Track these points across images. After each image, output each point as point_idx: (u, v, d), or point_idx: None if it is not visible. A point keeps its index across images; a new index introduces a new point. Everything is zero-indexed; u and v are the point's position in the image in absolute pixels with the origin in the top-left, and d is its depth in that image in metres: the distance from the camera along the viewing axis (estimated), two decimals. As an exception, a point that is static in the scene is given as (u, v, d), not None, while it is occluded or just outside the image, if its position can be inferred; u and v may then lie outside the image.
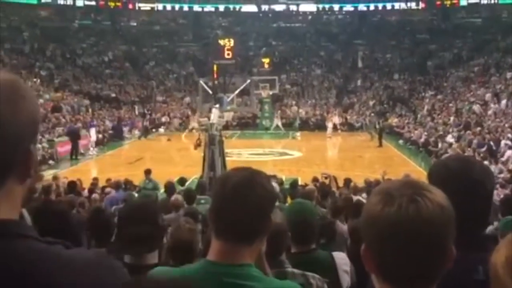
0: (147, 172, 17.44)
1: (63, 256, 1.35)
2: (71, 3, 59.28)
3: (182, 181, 16.59)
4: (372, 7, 62.53)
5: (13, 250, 1.31)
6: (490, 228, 6.28)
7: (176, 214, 8.99)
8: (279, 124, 44.35)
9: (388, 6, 61.98)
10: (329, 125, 41.52)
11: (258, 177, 2.22)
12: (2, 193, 1.34)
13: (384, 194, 1.56)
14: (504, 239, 1.42)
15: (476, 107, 38.56)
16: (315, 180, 16.01)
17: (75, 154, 30.60)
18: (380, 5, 62.11)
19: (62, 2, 58.62)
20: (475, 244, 1.61)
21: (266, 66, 50.95)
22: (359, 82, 54.11)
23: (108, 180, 17.10)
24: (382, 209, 1.53)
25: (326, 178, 15.65)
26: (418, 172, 22.76)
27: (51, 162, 28.35)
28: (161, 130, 43.67)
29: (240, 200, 2.13)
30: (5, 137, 1.31)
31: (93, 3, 60.53)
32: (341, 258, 4.03)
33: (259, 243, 2.21)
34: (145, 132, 41.20)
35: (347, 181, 16.07)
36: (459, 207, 1.61)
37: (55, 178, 16.12)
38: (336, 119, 43.40)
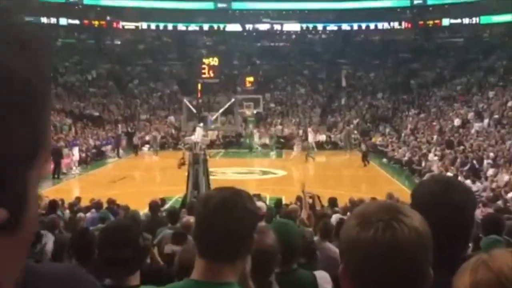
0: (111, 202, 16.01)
1: (33, 268, 1.32)
2: (55, 21, 59.18)
3: (162, 202, 16.53)
4: (355, 26, 63.06)
5: None
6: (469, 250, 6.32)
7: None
8: (268, 142, 44.47)
9: (372, 26, 62.54)
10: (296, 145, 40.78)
11: (239, 196, 2.24)
12: None
13: (361, 218, 1.59)
14: (468, 263, 1.45)
15: (456, 121, 39.05)
16: (299, 199, 16.02)
17: (57, 173, 30.40)
18: (363, 25, 62.66)
19: (45, 21, 58.48)
20: (456, 267, 1.64)
21: (250, 85, 51.10)
22: (343, 101, 54.34)
23: (92, 200, 17.02)
24: (359, 233, 1.56)
25: (310, 197, 15.66)
26: (402, 190, 22.85)
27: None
28: (145, 149, 43.55)
29: (222, 220, 2.15)
30: None
31: (77, 21, 60.50)
32: (322, 277, 4.05)
33: (242, 262, 2.23)
34: (136, 150, 41.32)
35: (332, 201, 16.12)
36: (440, 230, 1.64)
37: (38, 197, 15.95)
38: (311, 137, 43.17)
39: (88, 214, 13.84)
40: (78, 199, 17.68)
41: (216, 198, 2.21)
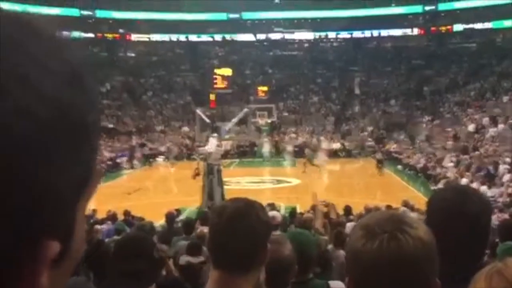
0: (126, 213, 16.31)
1: None
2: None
3: (177, 213, 16.53)
4: (367, 34, 63.05)
5: None
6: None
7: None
8: (290, 150, 44.28)
9: (384, 33, 62.49)
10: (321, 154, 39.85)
11: (252, 207, 2.25)
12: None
13: (366, 229, 1.59)
14: (482, 272, 1.45)
15: (470, 126, 38.87)
16: (313, 208, 15.97)
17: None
18: (375, 32, 62.63)
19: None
20: (470, 276, 1.63)
21: (263, 94, 51.14)
22: (356, 109, 54.28)
23: (108, 211, 17.06)
24: (364, 245, 1.56)
25: (325, 206, 15.61)
26: (417, 197, 22.74)
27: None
28: (160, 159, 43.64)
29: (235, 231, 2.16)
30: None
31: (91, 35, 60.93)
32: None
33: (256, 272, 2.23)
34: (147, 161, 41.56)
35: (347, 209, 16.07)
36: (455, 240, 1.62)
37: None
38: (325, 146, 42.85)
39: (104, 226, 13.86)
40: (94, 211, 17.72)
41: (230, 209, 2.22)
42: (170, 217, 12.76)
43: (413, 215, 11.99)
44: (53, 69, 0.66)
